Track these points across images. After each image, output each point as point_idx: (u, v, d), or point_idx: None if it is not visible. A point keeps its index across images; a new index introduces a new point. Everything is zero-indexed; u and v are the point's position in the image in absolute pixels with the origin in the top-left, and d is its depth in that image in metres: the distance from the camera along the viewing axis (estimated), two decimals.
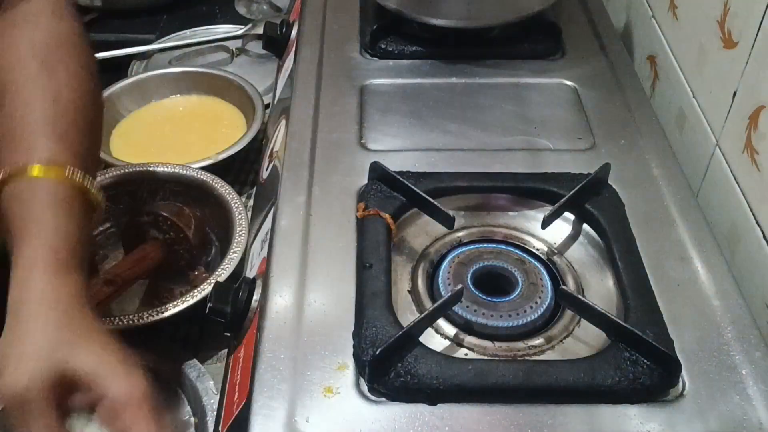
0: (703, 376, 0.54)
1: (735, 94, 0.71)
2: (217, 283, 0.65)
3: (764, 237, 0.65)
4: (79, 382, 0.52)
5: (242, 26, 1.27)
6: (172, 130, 1.05)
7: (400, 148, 0.74)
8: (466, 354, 0.57)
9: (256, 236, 0.75)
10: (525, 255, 0.64)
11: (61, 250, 0.56)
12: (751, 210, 0.68)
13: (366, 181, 0.69)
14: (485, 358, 0.56)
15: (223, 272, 0.76)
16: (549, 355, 0.57)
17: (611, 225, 0.64)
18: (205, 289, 0.74)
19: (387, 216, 0.64)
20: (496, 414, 0.52)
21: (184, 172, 0.89)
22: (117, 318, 0.73)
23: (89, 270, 0.59)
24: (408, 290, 0.62)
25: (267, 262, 0.63)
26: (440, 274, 0.62)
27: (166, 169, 0.89)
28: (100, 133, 0.69)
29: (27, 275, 0.55)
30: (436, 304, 0.56)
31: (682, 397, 0.53)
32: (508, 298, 0.59)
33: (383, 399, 0.53)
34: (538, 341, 0.58)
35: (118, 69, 1.18)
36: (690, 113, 0.80)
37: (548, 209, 0.66)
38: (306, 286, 0.60)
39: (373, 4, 0.91)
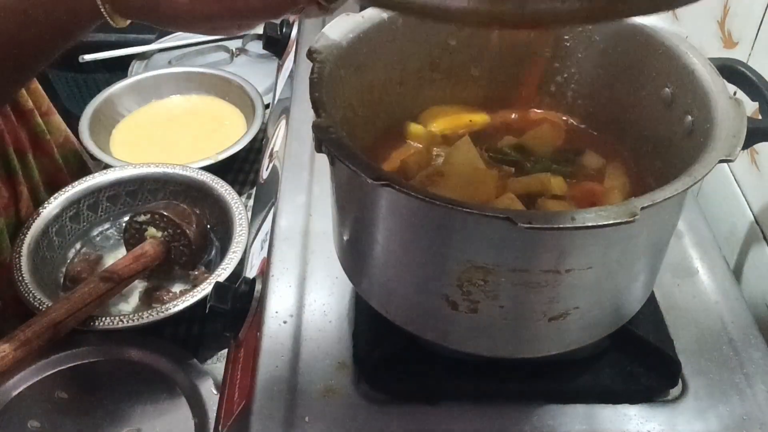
0: (703, 376, 0.54)
1: (735, 93, 0.71)
2: (217, 282, 0.65)
3: (764, 237, 0.65)
4: None
5: None
6: (172, 130, 1.05)
7: None
8: None
9: (256, 236, 0.75)
10: None
11: None
12: (751, 210, 0.68)
13: None
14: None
15: (223, 272, 0.76)
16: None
17: None
18: (205, 288, 0.74)
19: None
20: (496, 414, 0.52)
21: (184, 172, 0.89)
22: (117, 318, 0.73)
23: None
24: None
25: (267, 262, 0.63)
26: None
27: (166, 169, 0.89)
28: None
29: None
30: None
31: (682, 397, 0.53)
32: None
33: (383, 399, 0.53)
34: None
35: (118, 69, 1.18)
36: None
37: None
38: (306, 286, 0.60)
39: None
